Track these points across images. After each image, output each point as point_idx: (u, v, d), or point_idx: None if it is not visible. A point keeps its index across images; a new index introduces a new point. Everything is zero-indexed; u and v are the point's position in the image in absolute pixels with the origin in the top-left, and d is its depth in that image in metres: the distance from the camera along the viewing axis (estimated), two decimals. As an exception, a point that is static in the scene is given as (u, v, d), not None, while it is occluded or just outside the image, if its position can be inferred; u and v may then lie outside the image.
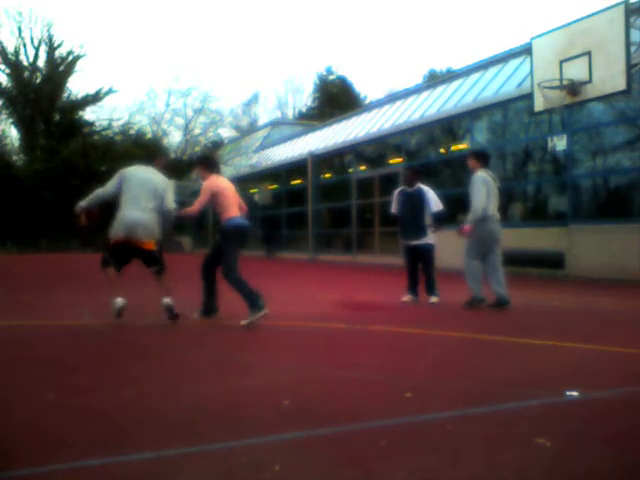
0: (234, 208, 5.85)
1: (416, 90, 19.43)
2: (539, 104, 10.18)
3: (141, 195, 5.63)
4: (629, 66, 8.69)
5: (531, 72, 10.43)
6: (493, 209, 6.63)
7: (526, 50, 11.76)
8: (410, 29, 73.58)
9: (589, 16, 9.24)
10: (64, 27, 70.63)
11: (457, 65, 38.96)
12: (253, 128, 41.87)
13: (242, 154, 31.43)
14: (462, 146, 15.68)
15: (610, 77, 8.85)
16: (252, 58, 74.71)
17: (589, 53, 9.11)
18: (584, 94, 9.39)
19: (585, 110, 11.67)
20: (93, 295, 8.36)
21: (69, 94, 42.70)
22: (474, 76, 15.78)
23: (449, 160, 16.18)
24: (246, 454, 2.20)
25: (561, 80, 9.53)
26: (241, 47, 71.41)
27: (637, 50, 9.30)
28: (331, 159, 22.48)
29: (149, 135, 44.83)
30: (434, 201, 7.38)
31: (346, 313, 6.53)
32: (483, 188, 6.51)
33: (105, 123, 43.58)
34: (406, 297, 7.49)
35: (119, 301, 5.51)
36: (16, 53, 40.65)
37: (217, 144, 42.60)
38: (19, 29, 40.84)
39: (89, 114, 43.51)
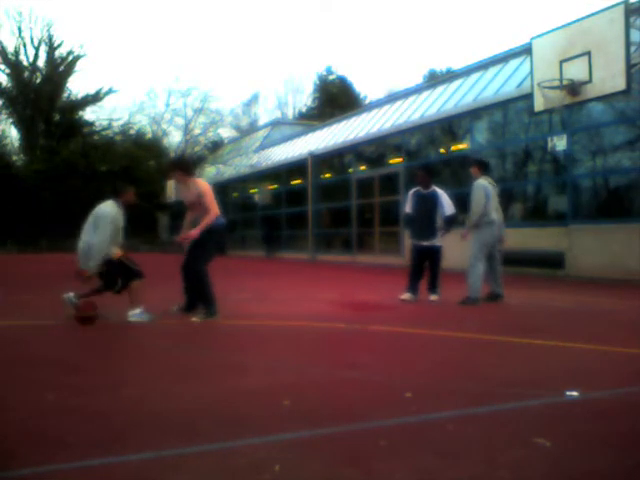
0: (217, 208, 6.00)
1: (416, 90, 19.43)
2: (539, 104, 10.18)
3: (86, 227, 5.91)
4: (629, 66, 8.69)
5: (531, 72, 10.43)
6: (495, 214, 7.07)
7: (526, 50, 11.76)
8: (410, 29, 73.66)
9: (589, 16, 9.24)
10: (64, 27, 70.71)
11: (457, 65, 39.01)
12: (253, 128, 41.88)
13: (242, 154, 31.43)
14: (462, 146, 15.69)
15: (610, 77, 8.85)
16: (252, 58, 74.81)
17: (589, 53, 9.11)
18: (584, 94, 9.39)
19: (585, 110, 11.67)
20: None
21: (69, 94, 42.72)
22: (474, 76, 15.78)
23: (449, 160, 16.19)
24: (246, 454, 2.20)
25: (561, 80, 9.53)
26: (241, 47, 71.51)
27: (637, 50, 9.30)
28: (331, 159, 22.48)
29: (149, 135, 44.86)
30: (447, 204, 7.54)
31: (346, 313, 6.53)
32: (483, 195, 6.98)
33: (105, 123, 43.61)
34: (405, 295, 7.53)
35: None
36: (16, 53, 40.66)
37: (217, 144, 42.64)
38: (19, 29, 40.86)
39: (89, 114, 43.55)
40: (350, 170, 20.85)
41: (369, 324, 5.52)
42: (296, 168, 24.01)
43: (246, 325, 5.70)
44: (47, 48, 41.24)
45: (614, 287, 9.43)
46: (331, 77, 49.55)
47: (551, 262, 11.83)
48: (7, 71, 40.72)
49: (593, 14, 9.17)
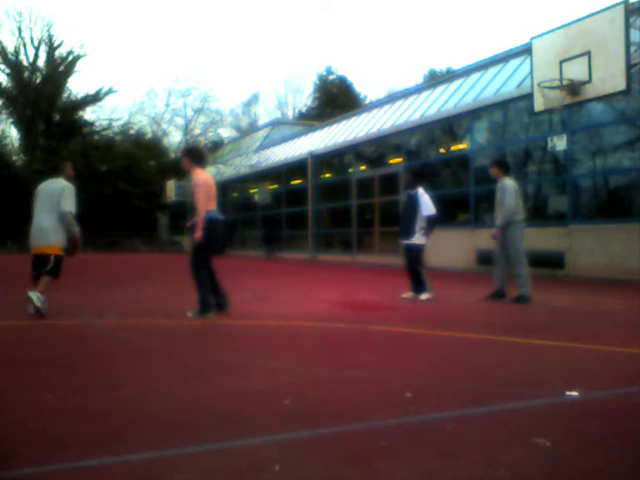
0: (213, 202, 6.03)
1: (416, 90, 19.42)
2: (539, 104, 10.18)
3: (41, 206, 6.09)
4: (629, 66, 8.69)
5: (531, 72, 10.43)
6: (522, 214, 7.33)
7: (526, 50, 11.76)
8: (410, 29, 73.70)
9: (589, 16, 9.24)
10: (64, 27, 70.76)
11: (457, 65, 39.01)
12: (253, 128, 41.90)
13: (242, 154, 31.44)
14: (462, 146, 15.68)
15: (610, 77, 8.85)
16: (252, 58, 74.82)
17: (589, 53, 9.11)
18: (584, 94, 9.39)
19: (585, 110, 11.67)
20: (92, 295, 8.37)
21: (69, 94, 42.77)
22: (474, 76, 15.78)
23: (449, 160, 16.18)
24: (246, 454, 2.20)
25: (561, 80, 9.54)
26: (241, 47, 71.47)
27: (637, 50, 9.31)
28: (331, 159, 22.48)
29: (149, 135, 44.90)
30: (425, 205, 7.62)
31: (346, 313, 6.52)
32: (514, 195, 7.15)
33: (105, 123, 43.69)
34: (407, 293, 7.67)
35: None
36: (16, 53, 40.71)
37: (217, 144, 42.66)
38: (19, 29, 40.91)
39: (89, 114, 43.64)
40: (350, 170, 20.85)
41: (369, 324, 5.52)
42: (296, 168, 24.01)
43: (246, 325, 5.70)
44: (47, 48, 41.29)
45: (614, 287, 9.43)
46: (331, 77, 49.56)
47: (551, 262, 11.83)
48: (7, 71, 40.75)
49: (593, 14, 9.17)
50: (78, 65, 42.96)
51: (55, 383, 3.32)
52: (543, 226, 12.52)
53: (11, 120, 41.66)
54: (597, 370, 3.63)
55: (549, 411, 2.76)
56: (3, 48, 40.32)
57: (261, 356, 4.12)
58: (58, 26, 61.56)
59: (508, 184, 7.28)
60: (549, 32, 9.94)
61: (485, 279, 7.89)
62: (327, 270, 15.94)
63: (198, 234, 5.83)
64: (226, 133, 46.59)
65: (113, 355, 4.18)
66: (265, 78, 77.29)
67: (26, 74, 40.85)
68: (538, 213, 13.36)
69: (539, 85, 9.93)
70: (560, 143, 10.90)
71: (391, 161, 18.46)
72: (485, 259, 13.58)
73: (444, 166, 16.42)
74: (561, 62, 9.54)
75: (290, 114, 50.05)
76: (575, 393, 2.98)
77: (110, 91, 43.04)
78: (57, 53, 41.69)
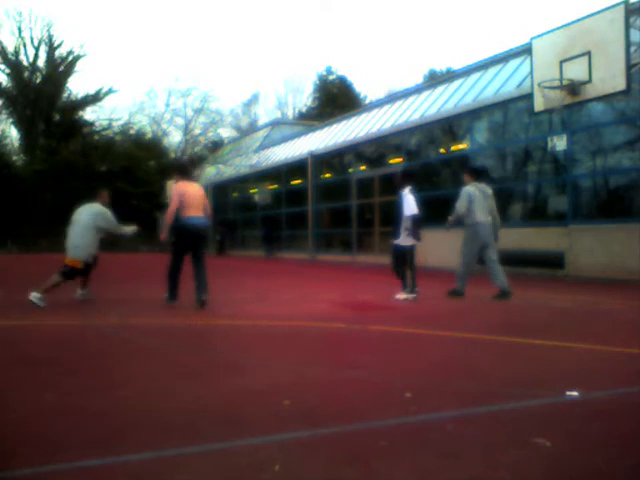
0: (191, 209, 6.88)
1: (416, 90, 19.42)
2: (539, 104, 10.18)
3: (76, 226, 7.42)
4: (629, 66, 8.69)
5: (531, 72, 10.43)
6: (481, 216, 7.74)
7: (526, 50, 11.76)
8: (410, 29, 73.69)
9: (589, 16, 9.24)
10: (64, 27, 70.74)
11: (457, 65, 39.02)
12: (253, 128, 41.89)
13: (242, 154, 31.43)
14: (462, 146, 15.68)
15: (610, 77, 8.85)
16: (252, 58, 74.82)
17: (589, 53, 9.11)
18: (584, 94, 9.39)
19: (585, 110, 11.67)
20: (92, 295, 8.36)
21: (69, 94, 42.75)
22: (474, 76, 15.78)
23: (449, 160, 16.18)
24: (246, 454, 2.20)
25: (561, 80, 9.54)
26: (241, 47, 71.48)
27: (637, 50, 9.31)
28: (331, 159, 22.48)
29: (149, 135, 44.88)
30: (407, 206, 7.70)
31: (346, 313, 6.53)
32: (464, 200, 7.75)
33: (105, 123, 43.65)
34: (402, 294, 7.70)
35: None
36: (16, 53, 40.69)
37: (217, 144, 42.65)
38: (19, 29, 40.89)
39: (89, 114, 43.61)
40: (350, 170, 20.85)
41: (369, 324, 5.52)
42: (296, 168, 24.00)
43: (246, 325, 5.70)
44: (47, 48, 41.26)
45: (614, 287, 9.43)
46: (331, 77, 49.56)
47: (551, 262, 11.83)
48: (7, 71, 40.74)
49: (593, 14, 9.17)
50: (78, 65, 42.93)
51: (55, 383, 3.32)
52: (543, 226, 12.53)
53: (11, 120, 41.65)
54: (597, 370, 3.63)
55: (549, 411, 2.76)
56: (3, 48, 40.32)
57: (261, 356, 4.12)
58: (58, 26, 61.50)
59: (464, 190, 7.86)
60: (549, 32, 9.94)
61: (485, 279, 7.90)
62: (327, 270, 15.94)
63: (162, 236, 7.08)
64: (226, 133, 46.54)
65: (113, 355, 4.18)
66: (265, 78, 77.30)
67: (26, 74, 40.83)
68: (538, 213, 13.36)
69: (539, 85, 9.93)
70: (560, 143, 10.90)
71: (391, 161, 18.46)
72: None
73: (444, 166, 16.42)
74: (561, 62, 9.54)
75: (290, 114, 50.04)
76: (575, 393, 2.98)
77: (110, 91, 43.02)
78: (57, 53, 41.68)
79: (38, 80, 41.01)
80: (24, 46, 40.70)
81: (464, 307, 7.10)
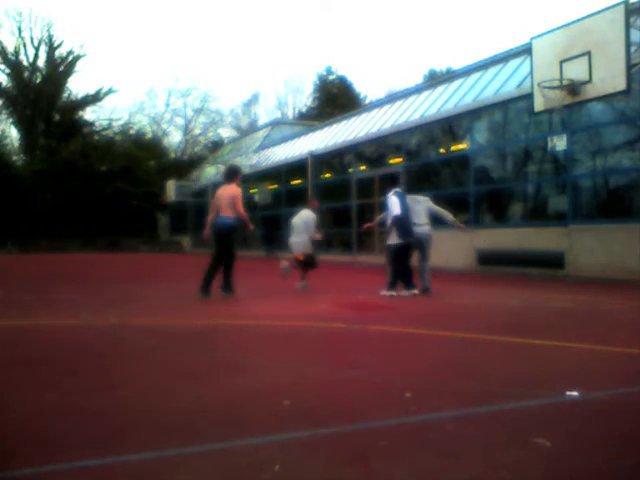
0: (222, 209, 7.81)
1: (416, 90, 19.41)
2: (539, 104, 10.18)
3: (296, 229, 9.45)
4: (629, 66, 8.68)
5: (531, 72, 10.43)
6: (417, 219, 8.24)
7: (526, 50, 11.76)
8: (410, 29, 73.70)
9: (589, 16, 9.24)
10: (64, 27, 70.76)
11: (457, 65, 39.03)
12: (253, 128, 41.89)
13: (242, 154, 31.43)
14: (462, 146, 15.68)
15: (610, 77, 8.84)
16: (252, 58, 74.82)
17: (589, 53, 9.11)
18: (584, 94, 9.39)
19: (585, 110, 11.67)
20: (92, 295, 8.37)
21: (69, 94, 42.77)
22: (474, 76, 15.78)
23: (449, 160, 16.18)
24: (246, 454, 2.20)
25: (561, 80, 9.53)
26: (241, 47, 71.48)
27: (637, 50, 9.31)
28: (331, 159, 22.47)
29: (149, 135, 44.89)
30: (390, 207, 8.05)
31: (346, 313, 6.53)
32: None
33: (105, 123, 43.69)
34: (400, 292, 7.91)
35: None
36: (16, 53, 40.71)
37: (217, 144, 42.66)
38: (19, 29, 40.92)
39: (89, 114, 43.64)
40: (350, 170, 20.84)
41: (369, 324, 5.52)
42: (296, 168, 24.00)
43: (246, 325, 5.70)
44: (47, 48, 41.28)
45: (614, 287, 9.43)
46: (331, 77, 49.54)
47: (551, 262, 11.83)
48: (7, 71, 40.75)
49: (593, 14, 9.17)
50: (78, 65, 43.00)
51: (55, 383, 3.32)
52: (543, 226, 12.52)
53: (11, 120, 41.67)
54: (597, 370, 3.63)
55: (549, 411, 2.76)
56: (3, 48, 40.33)
57: (261, 356, 4.12)
58: (58, 26, 61.57)
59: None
60: (549, 32, 9.94)
61: (485, 279, 7.89)
62: (327, 270, 15.93)
63: (204, 235, 8.09)
64: (226, 133, 46.59)
65: (113, 355, 4.18)
66: (265, 78, 77.30)
67: (26, 74, 40.85)
68: (538, 213, 13.36)
69: (539, 85, 9.93)
70: (560, 143, 10.90)
71: (391, 161, 18.46)
72: (485, 259, 13.60)
73: (444, 166, 16.41)
74: (561, 62, 9.53)
75: (290, 114, 50.05)
76: (575, 393, 2.98)
77: (110, 91, 43.05)
78: (57, 53, 41.70)
79: (38, 80, 41.03)
80: (24, 46, 40.75)
81: (464, 307, 7.10)
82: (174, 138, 46.57)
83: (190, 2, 74.53)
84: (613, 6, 8.83)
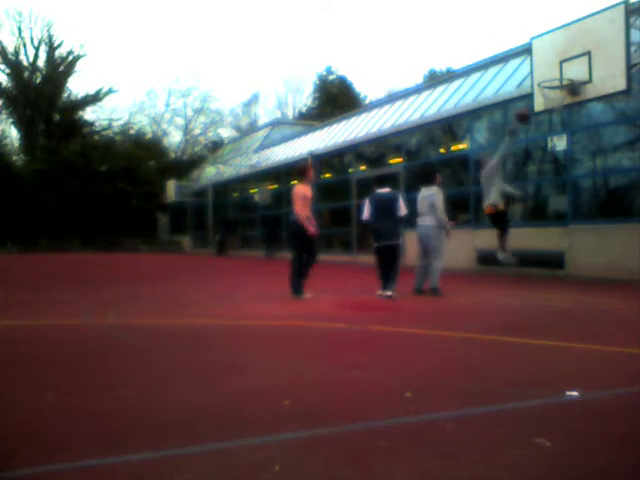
0: (296, 208, 7.74)
1: (416, 90, 19.41)
2: (539, 104, 10.18)
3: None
4: (629, 66, 8.68)
5: (531, 72, 10.42)
6: (420, 214, 8.47)
7: (526, 50, 11.75)
8: (410, 29, 73.70)
9: (589, 16, 9.23)
10: (64, 27, 70.75)
11: (457, 65, 39.01)
12: (253, 128, 41.89)
13: (242, 154, 31.44)
14: (462, 146, 15.68)
15: (610, 77, 8.84)
16: (252, 58, 74.82)
17: (589, 53, 9.10)
18: (584, 94, 9.38)
19: (585, 110, 11.66)
20: (92, 295, 8.37)
21: (69, 94, 42.75)
22: (474, 76, 15.78)
23: (449, 160, 16.18)
24: (246, 454, 2.20)
25: (561, 80, 9.53)
26: (241, 47, 71.51)
27: (637, 50, 9.30)
28: (331, 159, 22.47)
29: (149, 135, 44.90)
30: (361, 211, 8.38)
31: (346, 313, 6.53)
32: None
33: (105, 123, 43.69)
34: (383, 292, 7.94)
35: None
36: (16, 53, 40.69)
37: (217, 144, 42.66)
38: (19, 29, 40.91)
39: (89, 114, 43.63)
40: (350, 170, 20.84)
41: (369, 324, 5.52)
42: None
43: (246, 325, 5.70)
44: (47, 48, 41.26)
45: (614, 287, 9.43)
46: (331, 77, 49.52)
47: (551, 262, 11.82)
48: (7, 71, 40.74)
49: (593, 14, 9.16)
50: (78, 65, 42.93)
51: (55, 383, 3.32)
52: (543, 226, 12.52)
53: (11, 120, 41.65)
54: (597, 370, 3.63)
55: (549, 411, 2.76)
56: (3, 48, 40.31)
57: (261, 356, 4.12)
58: (58, 26, 61.54)
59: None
60: (549, 32, 9.93)
61: (485, 279, 7.89)
62: (327, 270, 15.93)
63: (310, 231, 7.68)
64: (226, 133, 46.59)
65: (113, 355, 4.18)
66: (265, 78, 77.33)
67: (26, 74, 40.83)
68: (538, 213, 13.36)
69: (539, 85, 9.92)
70: (560, 143, 10.89)
71: (391, 161, 18.46)
72: (485, 259, 13.59)
73: (444, 166, 16.41)
74: (561, 62, 9.52)
75: (290, 114, 50.03)
76: (575, 393, 2.98)
77: (110, 91, 43.03)
78: (57, 53, 41.68)
79: (38, 80, 41.01)
80: (24, 46, 40.72)
81: (464, 307, 7.10)
82: (174, 138, 46.58)
83: (190, 2, 74.55)
84: (613, 6, 8.83)
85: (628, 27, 8.69)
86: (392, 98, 21.58)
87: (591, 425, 2.54)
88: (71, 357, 4.11)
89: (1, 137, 41.64)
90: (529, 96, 10.71)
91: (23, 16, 44.23)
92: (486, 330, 5.20)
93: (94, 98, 42.61)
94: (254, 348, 4.48)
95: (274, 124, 33.21)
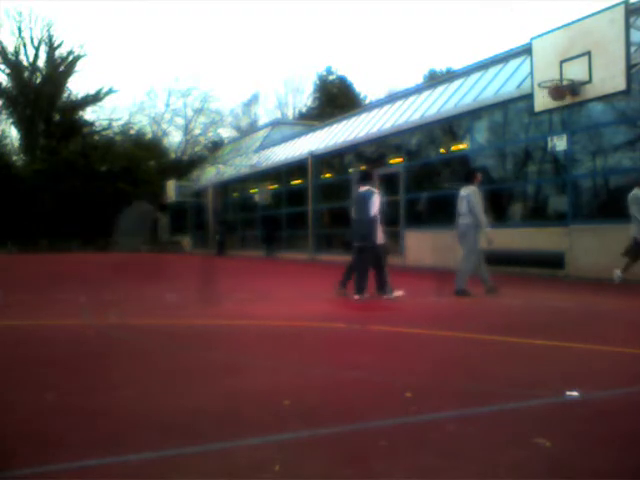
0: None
1: (416, 90, 19.41)
2: (539, 104, 10.18)
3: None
4: (629, 66, 8.68)
5: (531, 72, 10.42)
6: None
7: (526, 50, 11.75)
8: (410, 29, 73.63)
9: (589, 16, 9.23)
10: (64, 27, 70.72)
11: (457, 65, 39.02)
12: (253, 128, 41.88)
13: (242, 154, 31.44)
14: (462, 146, 15.67)
15: (610, 77, 8.84)
16: (252, 58, 74.76)
17: (589, 53, 9.10)
18: (584, 94, 9.38)
19: (585, 110, 11.66)
20: (92, 295, 8.37)
21: (69, 94, 42.73)
22: (474, 76, 15.77)
23: (449, 160, 16.18)
24: (246, 454, 2.20)
25: (561, 80, 9.53)
26: (241, 47, 71.45)
27: (637, 50, 9.30)
28: (331, 159, 22.46)
29: (149, 135, 44.88)
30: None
31: (346, 313, 6.53)
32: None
33: (105, 123, 43.65)
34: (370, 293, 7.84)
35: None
36: (16, 53, 40.67)
37: (217, 144, 42.66)
38: (19, 29, 40.88)
39: (89, 114, 43.60)
40: (350, 170, 20.84)
41: (369, 324, 5.52)
42: (296, 168, 23.99)
43: (246, 325, 5.70)
44: (47, 48, 41.24)
45: (614, 287, 9.42)
46: (331, 77, 49.50)
47: (551, 262, 11.82)
48: (7, 71, 40.73)
49: (593, 14, 9.16)
50: (78, 65, 42.86)
51: (55, 383, 3.32)
52: (543, 226, 12.52)
53: (11, 120, 41.62)
54: (597, 370, 3.63)
55: (549, 411, 2.76)
56: (3, 48, 40.29)
57: (261, 356, 4.12)
58: (58, 26, 61.47)
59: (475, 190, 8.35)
60: (549, 32, 9.93)
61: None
62: (327, 270, 15.92)
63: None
64: (226, 133, 46.55)
65: (113, 355, 4.18)
66: (265, 78, 77.36)
67: (26, 74, 40.81)
68: (538, 213, 13.36)
69: (539, 85, 9.92)
70: (560, 143, 10.89)
71: (391, 161, 18.46)
72: (485, 259, 13.56)
73: (444, 166, 16.41)
74: (561, 62, 9.52)
75: (290, 114, 50.01)
76: (575, 393, 2.98)
77: (110, 91, 43.00)
78: (57, 53, 41.65)
79: (38, 80, 40.99)
80: (24, 46, 40.69)
81: (464, 307, 7.10)
82: (174, 138, 46.54)
83: (190, 2, 74.54)
84: (613, 6, 8.83)
85: (628, 27, 8.69)
86: (392, 98, 21.58)
87: (591, 425, 2.54)
88: (71, 357, 4.11)
89: (1, 137, 41.63)
90: (529, 96, 10.70)
91: (23, 16, 44.25)
92: (486, 330, 5.20)
93: (94, 98, 42.59)
94: (254, 348, 4.48)
95: (274, 124, 33.21)
